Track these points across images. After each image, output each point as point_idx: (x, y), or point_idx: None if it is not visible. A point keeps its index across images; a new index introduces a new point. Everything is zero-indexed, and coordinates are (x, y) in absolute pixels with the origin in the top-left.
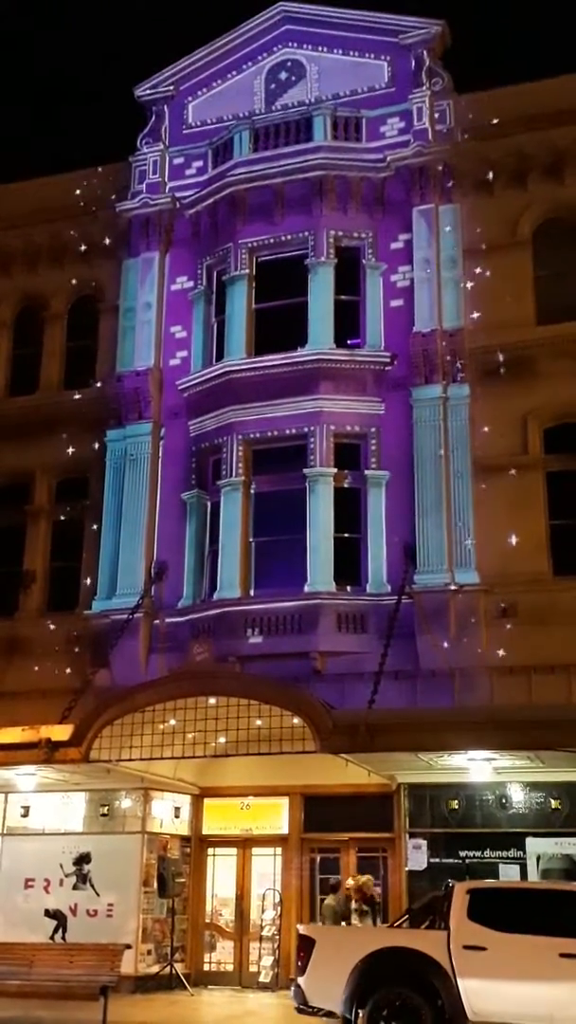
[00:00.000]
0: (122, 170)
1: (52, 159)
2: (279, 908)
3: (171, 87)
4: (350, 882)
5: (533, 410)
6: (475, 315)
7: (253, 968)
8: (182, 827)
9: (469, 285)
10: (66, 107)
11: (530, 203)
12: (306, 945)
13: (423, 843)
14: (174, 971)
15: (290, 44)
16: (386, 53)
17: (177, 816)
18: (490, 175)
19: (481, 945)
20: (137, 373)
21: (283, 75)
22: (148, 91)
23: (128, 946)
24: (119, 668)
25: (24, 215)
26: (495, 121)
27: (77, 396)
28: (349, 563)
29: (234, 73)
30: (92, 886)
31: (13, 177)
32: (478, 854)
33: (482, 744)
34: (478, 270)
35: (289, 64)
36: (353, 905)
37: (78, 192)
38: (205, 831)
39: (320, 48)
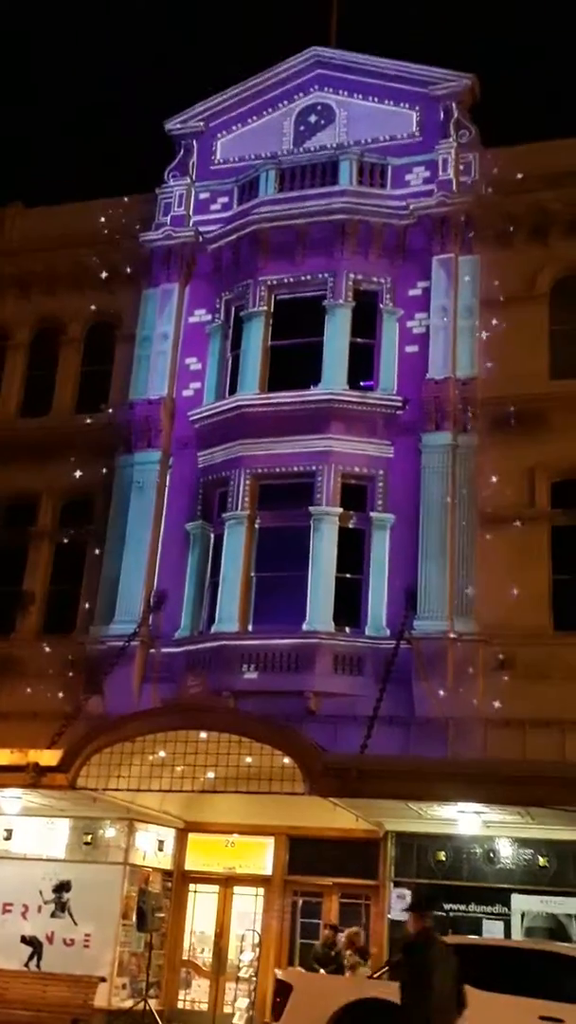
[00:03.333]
0: (148, 201)
1: (79, 186)
2: (258, 950)
3: (201, 123)
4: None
5: (541, 463)
6: (489, 365)
7: (228, 1009)
8: (165, 861)
9: (484, 335)
10: (96, 137)
11: (550, 259)
12: (283, 991)
13: (407, 892)
14: (148, 1007)
15: (321, 88)
16: (415, 103)
17: (160, 849)
18: (511, 229)
19: None
20: (149, 402)
21: (312, 118)
22: (178, 125)
23: (103, 979)
24: (112, 695)
25: (47, 239)
26: (519, 176)
27: (88, 421)
28: (349, 604)
29: (264, 113)
30: (70, 915)
31: (39, 201)
32: (462, 908)
33: (473, 796)
34: (494, 321)
35: (319, 108)
36: (347, 959)
37: (103, 220)
38: (188, 866)
39: (351, 94)
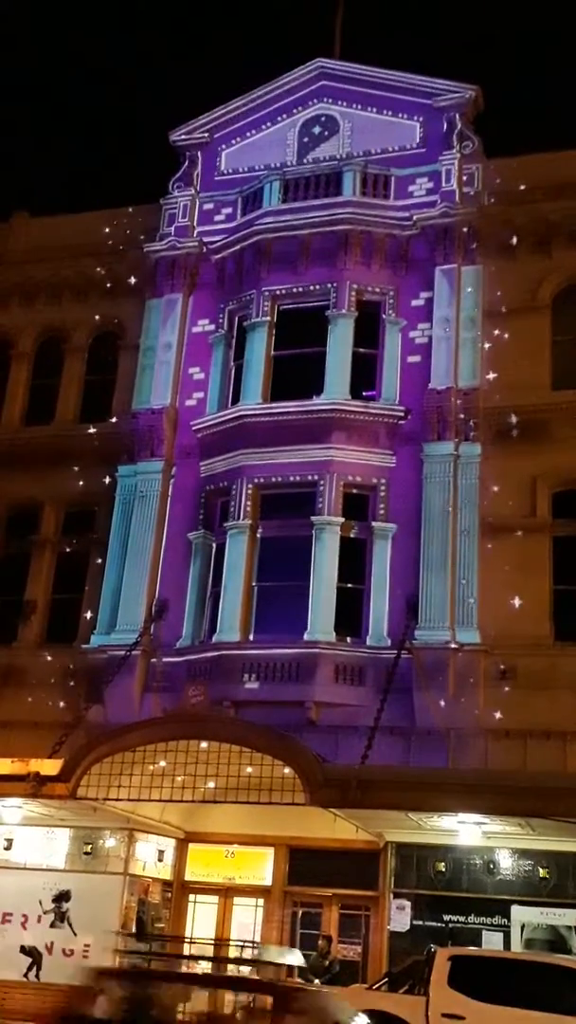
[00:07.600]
0: (152, 212)
1: (83, 197)
2: None
3: (206, 134)
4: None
5: (543, 473)
6: (491, 376)
7: None
8: (165, 871)
9: (487, 346)
10: (100, 147)
11: (552, 269)
12: None
13: (407, 904)
14: None
15: (325, 99)
16: (419, 114)
17: (160, 859)
18: (514, 240)
19: (459, 1014)
20: (153, 411)
21: (316, 129)
22: (183, 136)
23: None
24: (113, 705)
25: (52, 249)
26: (522, 187)
27: (92, 430)
28: (350, 614)
29: (268, 124)
30: (70, 925)
31: (44, 211)
32: (462, 919)
33: (473, 808)
34: (496, 332)
35: (323, 119)
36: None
37: (107, 230)
38: (188, 877)
39: (354, 105)
